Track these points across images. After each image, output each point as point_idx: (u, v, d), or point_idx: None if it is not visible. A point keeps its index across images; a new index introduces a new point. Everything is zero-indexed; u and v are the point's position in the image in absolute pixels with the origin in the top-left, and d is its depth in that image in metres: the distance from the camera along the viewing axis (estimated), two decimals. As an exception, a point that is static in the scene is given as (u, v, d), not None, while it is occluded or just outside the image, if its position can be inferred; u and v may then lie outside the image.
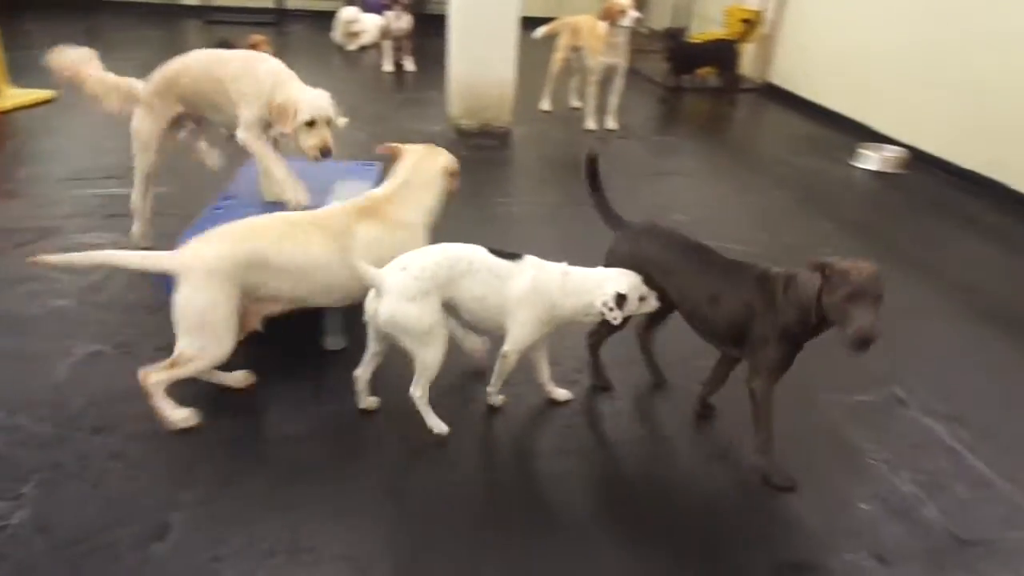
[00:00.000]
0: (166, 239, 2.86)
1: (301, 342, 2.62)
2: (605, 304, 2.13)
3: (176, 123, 3.09)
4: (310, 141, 2.65)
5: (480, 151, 4.76)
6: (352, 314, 2.65)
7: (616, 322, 2.15)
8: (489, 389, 2.37)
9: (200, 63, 2.89)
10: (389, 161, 2.54)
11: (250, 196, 3.00)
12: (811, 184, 4.62)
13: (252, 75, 2.75)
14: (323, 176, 3.25)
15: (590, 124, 5.30)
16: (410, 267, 2.11)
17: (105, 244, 3.22)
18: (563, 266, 2.24)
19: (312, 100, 2.67)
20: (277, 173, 2.80)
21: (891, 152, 5.00)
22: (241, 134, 2.78)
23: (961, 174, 4.73)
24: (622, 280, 2.18)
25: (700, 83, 6.77)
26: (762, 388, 2.11)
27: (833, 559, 1.92)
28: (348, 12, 7.26)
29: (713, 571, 1.88)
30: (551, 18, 5.57)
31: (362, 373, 2.28)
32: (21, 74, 5.19)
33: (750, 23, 6.26)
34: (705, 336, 2.26)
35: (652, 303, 2.23)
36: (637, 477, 2.18)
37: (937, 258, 3.73)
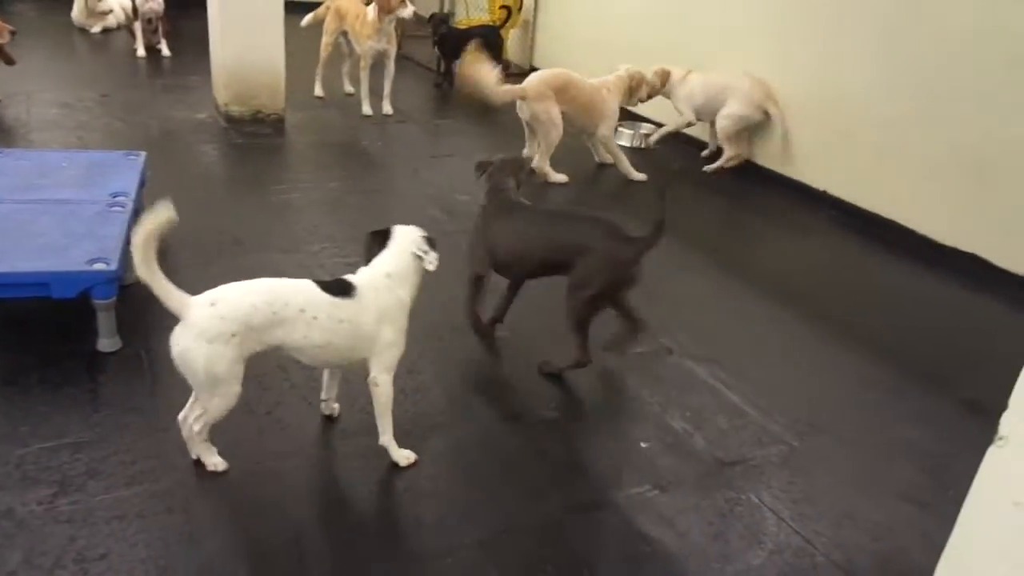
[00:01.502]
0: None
1: (67, 346, 2.41)
2: (421, 250, 2.10)
3: None
4: None
5: (254, 139, 4.59)
6: (125, 313, 2.49)
7: (433, 266, 2.12)
8: (383, 440, 2.10)
9: None
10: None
11: None
12: (568, 160, 4.91)
13: None
14: (87, 167, 2.99)
15: (366, 109, 5.28)
16: (219, 304, 1.85)
17: None
18: (374, 267, 2.11)
19: None
20: None
21: (646, 129, 5.48)
22: None
23: (700, 145, 5.32)
24: (413, 230, 2.16)
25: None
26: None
27: (620, 494, 2.13)
28: (90, -10, 6.62)
29: (512, 520, 2.00)
30: (318, 3, 5.47)
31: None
32: None
33: (508, 9, 6.54)
34: None
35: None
36: (434, 448, 2.26)
37: (685, 220, 4.16)
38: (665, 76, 4.97)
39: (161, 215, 1.80)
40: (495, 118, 5.84)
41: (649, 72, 4.82)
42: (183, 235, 3.25)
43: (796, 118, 4.66)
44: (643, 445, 2.34)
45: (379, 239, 2.14)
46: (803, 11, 4.60)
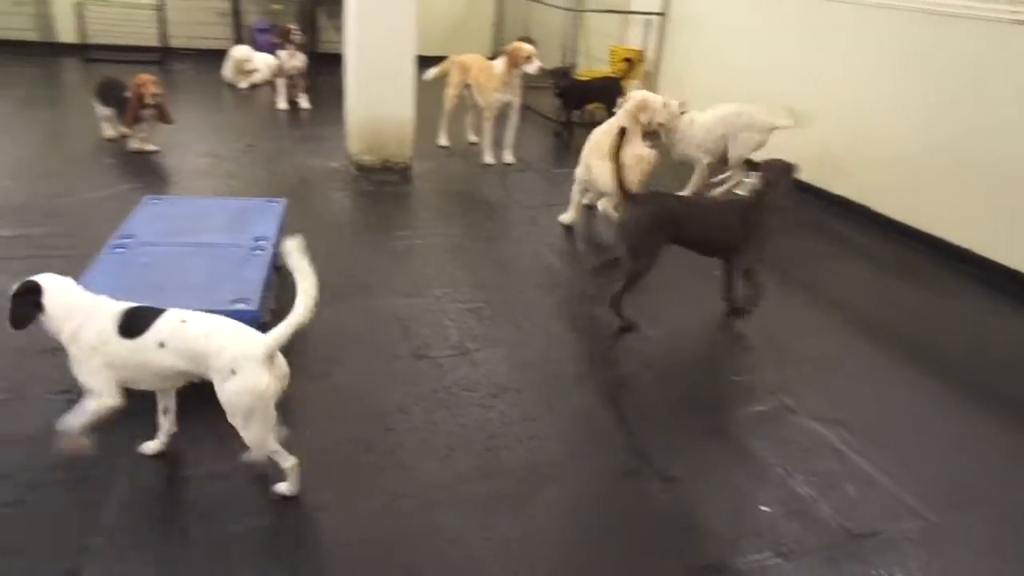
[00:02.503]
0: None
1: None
2: None
3: None
4: None
5: (382, 186, 4.80)
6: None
7: None
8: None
9: None
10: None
11: (151, 235, 2.93)
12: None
13: None
14: (233, 213, 3.22)
15: (488, 158, 5.44)
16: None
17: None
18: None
19: None
20: None
21: (754, 178, 5.36)
22: None
23: (831, 199, 5.14)
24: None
25: (590, 118, 7.06)
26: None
27: (740, 560, 2.05)
28: (240, 50, 7.17)
29: (633, 578, 1.97)
30: (444, 56, 5.71)
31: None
32: None
33: (631, 62, 6.60)
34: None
35: None
36: (548, 499, 2.26)
37: (814, 276, 4.03)
38: (675, 114, 4.72)
39: None
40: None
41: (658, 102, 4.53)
42: (316, 278, 3.44)
43: (924, 165, 4.45)
44: (764, 509, 2.25)
45: None
46: (930, 61, 4.41)
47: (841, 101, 5.05)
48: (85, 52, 7.67)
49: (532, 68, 5.13)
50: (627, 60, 6.60)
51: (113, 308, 2.03)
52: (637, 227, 3.16)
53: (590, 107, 6.88)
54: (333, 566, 1.92)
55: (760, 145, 4.81)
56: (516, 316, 3.27)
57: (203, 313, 2.03)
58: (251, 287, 2.56)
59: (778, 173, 3.22)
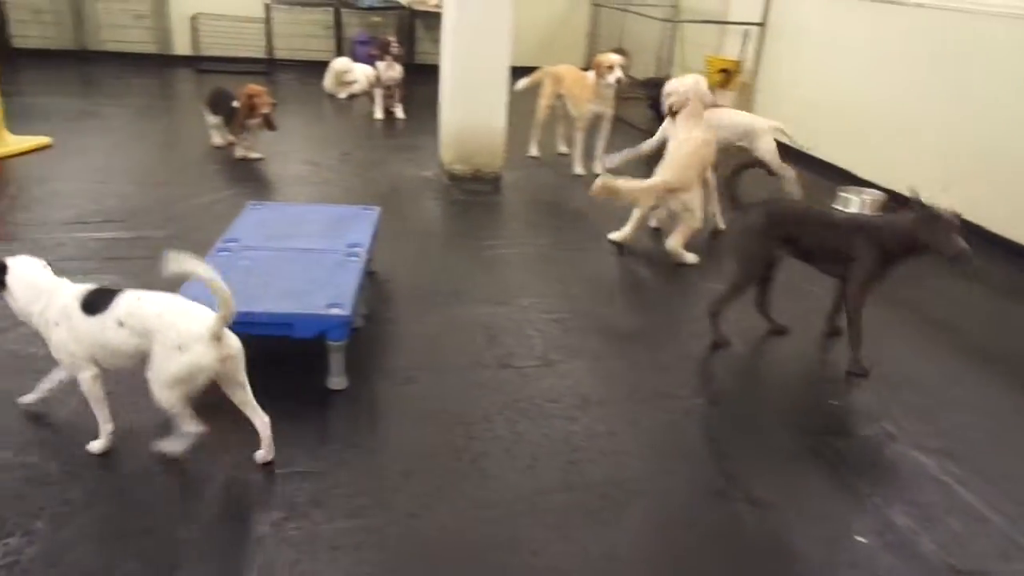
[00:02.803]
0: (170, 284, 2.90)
1: (303, 381, 2.66)
2: None
3: None
4: None
5: (473, 195, 4.86)
6: (352, 354, 2.71)
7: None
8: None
9: None
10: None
11: (253, 239, 3.06)
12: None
13: None
14: (330, 220, 3.33)
15: (578, 169, 5.43)
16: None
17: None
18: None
19: None
20: None
21: (870, 195, 5.15)
22: None
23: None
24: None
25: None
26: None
27: (834, 590, 1.97)
28: (341, 62, 7.41)
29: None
30: (536, 67, 5.74)
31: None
32: (18, 121, 5.26)
33: (728, 72, 6.48)
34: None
35: None
36: (632, 515, 2.22)
37: (919, 297, 3.84)
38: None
39: None
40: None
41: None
42: (406, 285, 3.52)
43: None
44: (859, 539, 2.15)
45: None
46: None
47: (947, 115, 4.81)
48: (197, 63, 8.09)
49: (611, 79, 5.12)
50: (724, 71, 6.48)
51: (76, 288, 2.20)
52: (747, 233, 3.08)
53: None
54: (416, 573, 1.95)
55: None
56: (602, 328, 3.25)
57: (159, 293, 2.17)
58: (345, 292, 2.64)
59: (937, 221, 2.79)
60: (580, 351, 3.05)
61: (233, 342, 2.15)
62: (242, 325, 2.51)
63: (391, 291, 3.46)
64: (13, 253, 2.28)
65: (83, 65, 7.80)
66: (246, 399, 2.24)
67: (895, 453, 2.56)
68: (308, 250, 2.99)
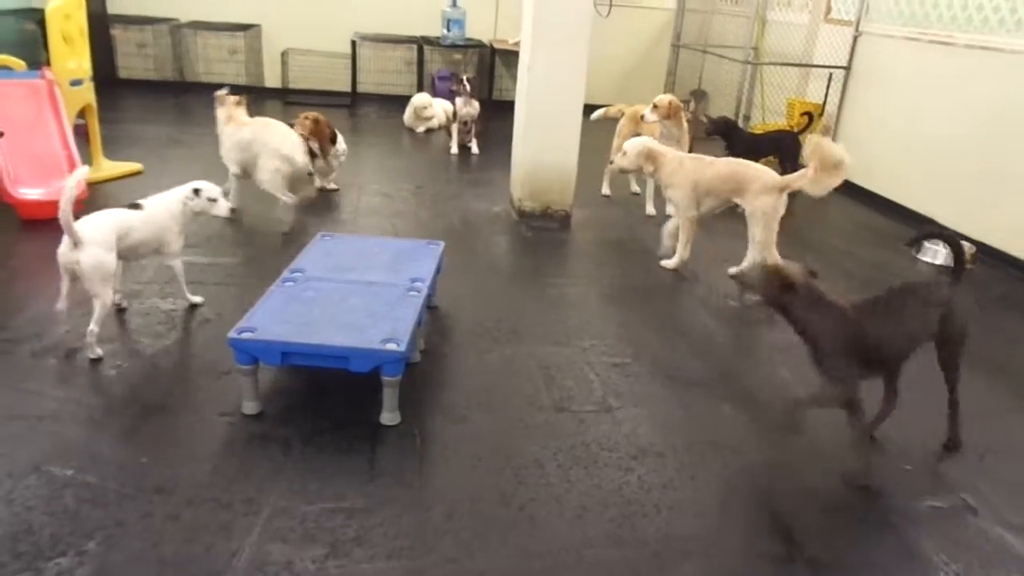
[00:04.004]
0: (239, 310, 2.99)
1: (356, 414, 2.66)
2: (187, 196, 3.26)
3: None
4: None
5: (541, 232, 4.85)
6: (408, 389, 2.71)
7: (195, 208, 3.28)
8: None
9: None
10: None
11: (319, 270, 3.11)
12: (876, 277, 4.55)
13: None
14: (395, 253, 3.36)
15: (650, 209, 5.36)
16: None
17: (178, 310, 3.36)
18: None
19: None
20: None
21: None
22: None
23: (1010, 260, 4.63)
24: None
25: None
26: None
27: (899, 675, 1.82)
28: (421, 98, 7.57)
29: None
30: (609, 104, 5.73)
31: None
32: (116, 147, 5.55)
33: (810, 116, 6.31)
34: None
35: (222, 206, 3.33)
36: (690, 574, 2.12)
37: (1009, 356, 3.61)
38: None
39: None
40: (782, 226, 5.62)
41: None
42: (467, 320, 3.51)
43: None
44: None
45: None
46: None
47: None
48: (285, 96, 8.41)
49: (647, 118, 5.19)
50: (806, 114, 6.32)
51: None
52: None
53: (763, 161, 6.65)
54: (454, 618, 1.90)
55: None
56: (664, 375, 3.16)
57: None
58: (402, 328, 2.64)
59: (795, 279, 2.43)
60: (639, 397, 2.97)
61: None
62: (301, 356, 2.57)
63: (452, 326, 3.46)
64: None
65: (180, 95, 8.20)
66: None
67: (975, 527, 2.38)
68: (371, 283, 3.02)
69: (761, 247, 4.06)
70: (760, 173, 4.10)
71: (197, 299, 3.44)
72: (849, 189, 6.44)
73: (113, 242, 2.94)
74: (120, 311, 3.31)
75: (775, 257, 3.96)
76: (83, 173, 2.88)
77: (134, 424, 2.54)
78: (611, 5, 5.25)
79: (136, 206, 3.14)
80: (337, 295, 2.90)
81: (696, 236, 4.35)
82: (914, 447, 2.80)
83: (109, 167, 5.18)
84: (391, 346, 2.54)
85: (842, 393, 2.45)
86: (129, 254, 3.13)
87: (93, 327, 2.90)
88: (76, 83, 4.84)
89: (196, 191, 3.27)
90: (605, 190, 5.78)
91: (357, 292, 2.94)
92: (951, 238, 2.75)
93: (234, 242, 4.19)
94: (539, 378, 3.05)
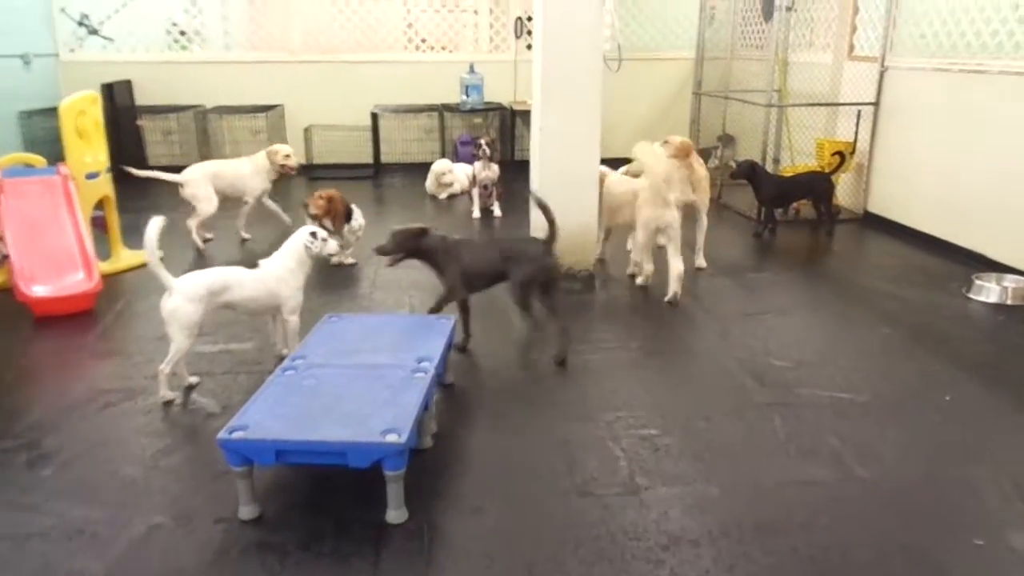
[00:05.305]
0: (240, 398, 2.85)
1: (359, 513, 2.47)
2: (307, 242, 3.45)
3: None
4: None
5: (563, 295, 4.65)
6: (417, 479, 2.51)
7: (314, 250, 3.48)
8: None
9: None
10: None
11: (321, 355, 2.96)
12: (923, 319, 4.25)
13: None
14: (403, 331, 3.22)
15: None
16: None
17: (182, 405, 3.24)
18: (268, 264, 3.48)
19: None
20: None
21: (1012, 282, 4.58)
22: None
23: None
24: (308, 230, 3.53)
25: (794, 216, 6.58)
26: None
27: None
28: (441, 164, 7.54)
29: None
30: (628, 159, 5.59)
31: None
32: (138, 235, 5.55)
33: (841, 155, 6.08)
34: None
35: (332, 245, 3.61)
36: None
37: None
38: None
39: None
40: (818, 270, 5.36)
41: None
42: (484, 396, 3.33)
43: None
44: None
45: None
46: None
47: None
48: (309, 172, 8.45)
49: (656, 149, 5.00)
50: (838, 153, 6.09)
51: None
52: None
53: (796, 205, 6.42)
54: None
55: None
56: (697, 448, 2.91)
57: None
58: (405, 416, 2.46)
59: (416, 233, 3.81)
60: (669, 476, 2.72)
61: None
62: (297, 454, 2.40)
63: (467, 403, 3.27)
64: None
65: (207, 179, 8.29)
66: None
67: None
68: (375, 366, 2.86)
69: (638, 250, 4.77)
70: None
71: (193, 379, 3.40)
72: (888, 226, 6.17)
73: (201, 295, 3.14)
74: (189, 388, 3.36)
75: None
76: (159, 223, 3.15)
77: (127, 539, 2.38)
78: (620, 60, 5.13)
79: (254, 266, 3.40)
80: (339, 382, 2.74)
81: (733, 292, 4.14)
82: (983, 517, 2.50)
83: (128, 257, 5.17)
84: (392, 437, 2.35)
85: (457, 294, 3.69)
86: (240, 309, 3.39)
87: (163, 367, 3.16)
88: (92, 176, 4.87)
89: (313, 234, 3.46)
90: (630, 245, 5.58)
91: (360, 377, 2.78)
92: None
93: (248, 327, 4.07)
94: (560, 458, 2.83)
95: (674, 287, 4.45)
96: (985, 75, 5.14)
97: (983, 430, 3.06)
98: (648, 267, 4.76)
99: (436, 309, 3.72)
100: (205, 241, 5.77)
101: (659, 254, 4.75)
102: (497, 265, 3.68)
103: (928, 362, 3.71)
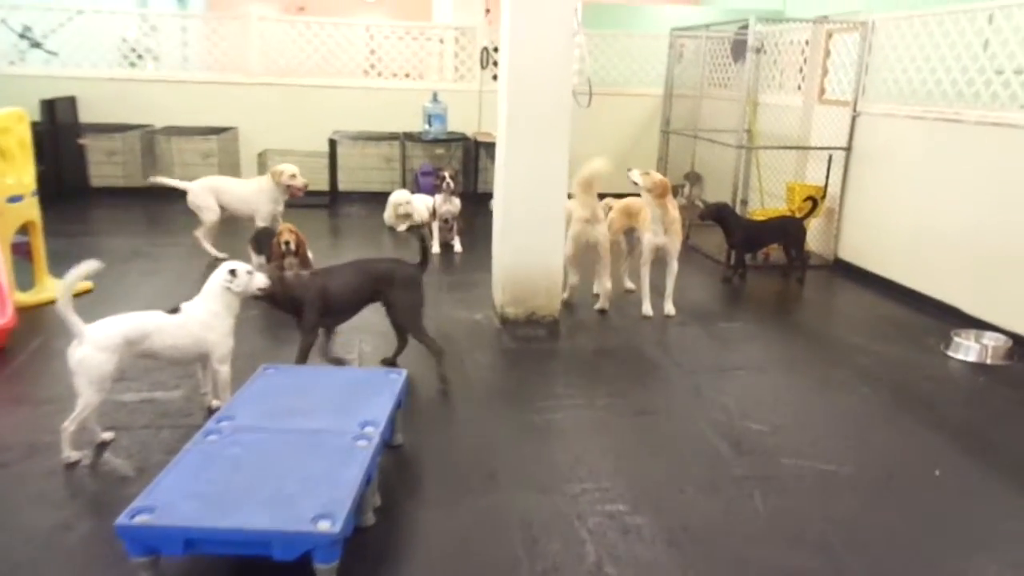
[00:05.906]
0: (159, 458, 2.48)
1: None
2: (225, 280, 3.07)
3: None
4: None
5: (526, 343, 4.37)
6: (356, 568, 2.16)
7: (236, 289, 3.09)
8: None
9: None
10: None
11: (251, 416, 2.61)
12: (901, 378, 4.04)
13: None
14: (347, 387, 2.89)
15: (647, 309, 4.89)
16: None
17: (88, 466, 2.85)
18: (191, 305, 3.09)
19: None
20: None
21: (991, 340, 4.42)
22: None
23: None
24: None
25: (764, 261, 6.40)
26: None
27: None
28: (399, 195, 7.23)
29: None
30: (603, 196, 5.35)
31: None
32: (71, 262, 5.12)
33: (814, 201, 5.93)
34: None
35: (260, 279, 3.15)
36: None
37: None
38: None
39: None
40: (791, 320, 5.15)
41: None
42: (435, 462, 3.00)
43: None
44: None
45: None
46: None
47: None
48: (262, 198, 8.06)
49: (631, 176, 4.87)
50: (810, 199, 5.93)
51: None
52: None
53: (767, 249, 6.24)
54: None
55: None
56: (672, 529, 2.61)
57: None
58: (341, 496, 2.13)
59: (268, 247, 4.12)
60: (642, 564, 2.42)
61: None
62: (211, 543, 2.05)
63: (417, 471, 2.93)
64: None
65: (151, 202, 7.83)
66: None
67: None
68: (312, 431, 2.52)
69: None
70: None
71: (107, 435, 3.03)
72: (858, 274, 6.02)
73: (115, 344, 2.79)
74: (101, 445, 2.99)
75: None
76: (91, 266, 2.86)
77: None
78: (591, 95, 4.90)
79: (175, 310, 3.02)
80: (268, 451, 2.40)
81: (705, 343, 3.88)
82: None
83: (53, 287, 4.73)
84: (323, 525, 2.02)
85: (312, 332, 3.59)
86: (162, 358, 3.03)
87: (67, 424, 2.78)
88: (15, 199, 4.45)
89: (232, 272, 3.09)
90: (596, 289, 5.32)
91: (293, 444, 2.44)
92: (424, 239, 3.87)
93: (175, 372, 3.68)
94: (519, 541, 2.51)
95: (602, 303, 4.90)
96: (961, 124, 5.03)
97: (978, 513, 2.82)
98: (573, 279, 4.91)
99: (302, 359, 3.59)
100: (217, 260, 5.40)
101: (658, 273, 4.49)
102: (367, 289, 3.64)
103: (912, 429, 3.49)
